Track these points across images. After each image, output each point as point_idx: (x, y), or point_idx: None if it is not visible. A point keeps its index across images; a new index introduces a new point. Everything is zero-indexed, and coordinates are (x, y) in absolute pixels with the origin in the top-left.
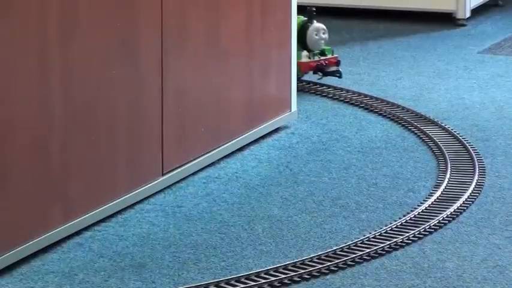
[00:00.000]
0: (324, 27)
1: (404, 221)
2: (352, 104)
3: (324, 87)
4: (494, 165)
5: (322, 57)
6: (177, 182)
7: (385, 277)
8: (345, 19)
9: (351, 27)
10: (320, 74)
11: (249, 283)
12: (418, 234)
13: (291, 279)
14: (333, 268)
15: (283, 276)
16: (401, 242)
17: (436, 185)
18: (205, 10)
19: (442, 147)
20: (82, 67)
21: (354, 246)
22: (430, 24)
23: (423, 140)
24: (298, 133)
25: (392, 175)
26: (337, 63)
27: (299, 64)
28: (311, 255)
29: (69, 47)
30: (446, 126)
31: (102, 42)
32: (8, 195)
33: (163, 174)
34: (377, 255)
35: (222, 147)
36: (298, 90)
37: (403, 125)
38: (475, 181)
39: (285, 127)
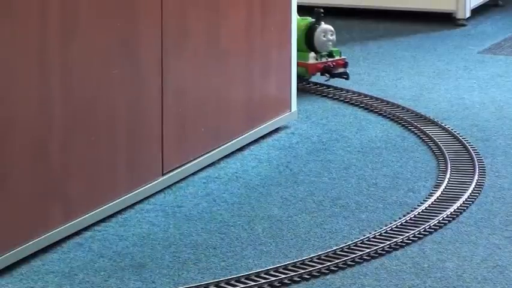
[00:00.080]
0: (332, 28)
1: (404, 221)
2: (352, 104)
3: (324, 87)
4: (494, 165)
5: (330, 59)
6: (177, 182)
7: (385, 277)
8: (345, 19)
9: (351, 27)
10: (327, 75)
11: (249, 283)
12: (418, 234)
13: (291, 279)
14: (333, 268)
15: (283, 276)
16: (401, 242)
17: (436, 185)
18: (205, 10)
19: (442, 147)
20: (82, 67)
21: (354, 246)
22: (430, 24)
23: (423, 140)
24: (298, 133)
25: (392, 175)
26: (345, 65)
27: (306, 66)
28: (311, 255)
29: (69, 47)
30: (446, 126)
31: (102, 42)
32: (8, 195)
33: (163, 174)
34: (377, 255)
35: (222, 147)
36: (299, 90)
37: (403, 125)
38: (475, 181)
39: (285, 127)
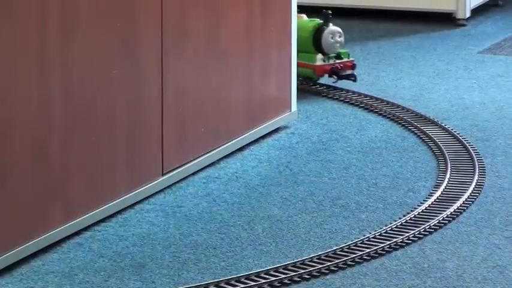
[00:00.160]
0: (340, 30)
1: (404, 221)
2: (352, 104)
3: (324, 87)
4: (494, 165)
5: (338, 61)
6: (177, 182)
7: (385, 277)
8: (345, 19)
9: (351, 27)
10: (335, 77)
11: (249, 283)
12: (418, 234)
13: (291, 279)
14: (333, 268)
15: (283, 276)
16: (401, 242)
17: (436, 185)
18: (205, 10)
19: (442, 147)
20: (82, 67)
21: (354, 246)
22: (430, 24)
23: (423, 140)
24: (298, 133)
25: (392, 175)
26: (353, 66)
27: (313, 67)
28: (311, 255)
29: (69, 47)
30: (446, 126)
31: (102, 42)
32: (8, 195)
33: (163, 174)
34: (377, 255)
35: (222, 147)
36: (299, 90)
37: (403, 125)
38: (475, 181)
39: (285, 127)
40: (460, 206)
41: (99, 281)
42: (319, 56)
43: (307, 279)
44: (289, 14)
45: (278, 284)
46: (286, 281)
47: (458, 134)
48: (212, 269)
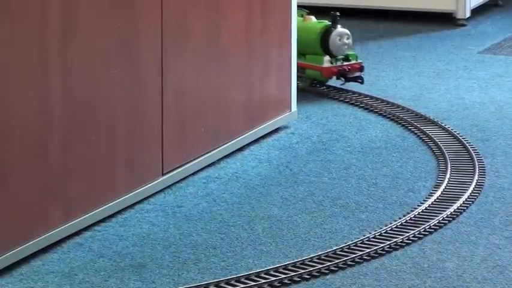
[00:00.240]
0: (348, 32)
1: (404, 221)
2: (352, 104)
3: (324, 88)
4: (494, 165)
5: (345, 63)
6: (177, 182)
7: (385, 277)
8: (345, 19)
9: (351, 27)
10: (342, 79)
11: (249, 283)
12: (418, 234)
13: (291, 279)
14: (333, 268)
15: (283, 276)
16: (401, 242)
17: (436, 185)
18: (205, 10)
19: (442, 147)
20: (82, 67)
21: (354, 246)
22: (430, 24)
23: (423, 140)
24: (298, 133)
25: (393, 175)
26: (361, 69)
27: (321, 69)
28: (311, 255)
29: (69, 47)
30: (446, 126)
31: (102, 42)
32: (8, 195)
33: (163, 174)
34: (377, 255)
35: (222, 147)
36: (299, 90)
37: (403, 125)
38: (475, 181)
39: (285, 127)
40: (460, 206)
41: (99, 281)
42: (327, 58)
43: (307, 279)
44: (289, 14)
45: (278, 284)
46: (286, 281)
47: (458, 134)
48: (212, 269)
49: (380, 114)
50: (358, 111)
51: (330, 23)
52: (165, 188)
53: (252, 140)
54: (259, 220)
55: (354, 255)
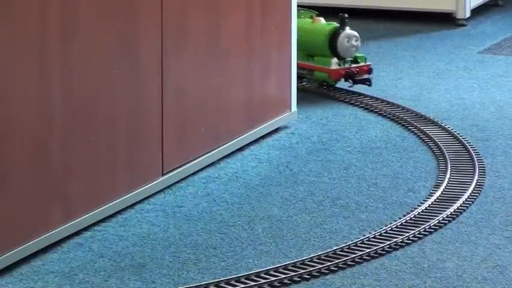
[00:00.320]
0: (356, 34)
1: (404, 221)
2: (352, 104)
3: (324, 88)
4: (494, 165)
5: (353, 65)
6: (177, 182)
7: (385, 277)
8: None
9: (351, 27)
10: (350, 81)
11: (249, 283)
12: (418, 234)
13: (291, 279)
14: (333, 268)
15: (283, 276)
16: (401, 242)
17: (436, 185)
18: (205, 10)
19: (442, 147)
20: (82, 67)
21: (354, 246)
22: (430, 24)
23: (423, 140)
24: (298, 133)
25: (393, 175)
26: (369, 71)
27: (328, 71)
28: (311, 255)
29: (69, 47)
30: (446, 126)
31: (102, 42)
32: (8, 195)
33: (163, 174)
34: (377, 255)
35: (222, 147)
36: (299, 90)
37: (403, 125)
38: (475, 181)
39: (285, 127)
40: (460, 206)
41: (99, 281)
42: (334, 60)
43: (307, 279)
44: (289, 14)
45: (278, 284)
46: (286, 281)
47: (458, 134)
48: (212, 269)
49: (380, 114)
50: (358, 111)
51: (338, 24)
52: (165, 188)
53: (252, 140)
54: (259, 220)
55: (354, 255)
